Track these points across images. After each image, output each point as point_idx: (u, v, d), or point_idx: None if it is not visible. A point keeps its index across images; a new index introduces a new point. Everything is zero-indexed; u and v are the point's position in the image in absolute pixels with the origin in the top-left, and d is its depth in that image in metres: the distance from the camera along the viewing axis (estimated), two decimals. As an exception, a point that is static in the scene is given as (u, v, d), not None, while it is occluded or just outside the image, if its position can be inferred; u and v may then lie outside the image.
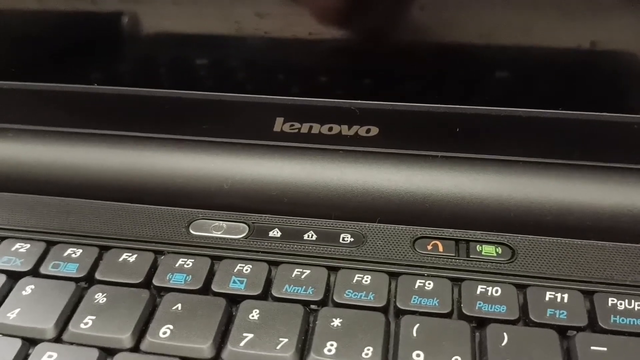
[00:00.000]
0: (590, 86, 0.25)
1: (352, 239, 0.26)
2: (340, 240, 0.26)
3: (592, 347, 0.21)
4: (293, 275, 0.24)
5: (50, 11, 0.27)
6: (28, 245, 0.26)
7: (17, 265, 0.25)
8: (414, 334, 0.22)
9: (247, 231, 0.26)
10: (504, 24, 0.24)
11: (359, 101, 0.26)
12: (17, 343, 0.22)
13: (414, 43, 0.25)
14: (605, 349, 0.21)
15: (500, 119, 0.25)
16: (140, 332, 0.22)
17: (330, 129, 0.27)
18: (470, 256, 0.25)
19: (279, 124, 0.27)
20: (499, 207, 0.26)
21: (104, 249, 0.25)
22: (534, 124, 0.25)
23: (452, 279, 0.24)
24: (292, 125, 0.27)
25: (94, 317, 0.23)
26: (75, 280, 0.24)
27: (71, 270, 0.25)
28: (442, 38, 0.25)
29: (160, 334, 0.22)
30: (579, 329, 0.22)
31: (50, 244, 0.26)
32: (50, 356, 0.21)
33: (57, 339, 0.22)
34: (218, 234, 0.26)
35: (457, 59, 0.25)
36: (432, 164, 0.27)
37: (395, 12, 0.25)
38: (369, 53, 0.25)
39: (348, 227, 0.26)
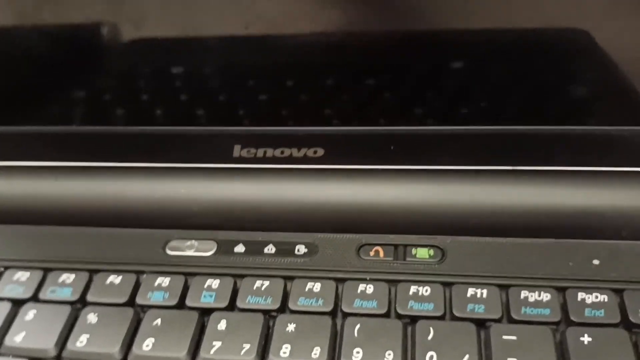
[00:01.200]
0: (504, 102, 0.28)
1: (305, 250, 0.29)
2: (296, 252, 0.29)
3: (504, 337, 0.25)
4: (255, 287, 0.28)
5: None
6: (28, 274, 0.30)
7: (20, 293, 0.29)
8: (355, 334, 0.26)
9: (215, 248, 0.30)
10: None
11: (306, 127, 0.30)
12: (24, 364, 0.26)
13: (346, 79, 0.28)
14: (515, 337, 0.25)
15: (427, 136, 0.29)
16: (127, 346, 0.26)
17: (282, 152, 0.30)
18: (407, 259, 0.29)
19: (237, 150, 0.31)
20: (431, 212, 0.29)
21: (93, 272, 0.29)
22: (456, 138, 0.29)
23: (389, 281, 0.28)
24: (248, 150, 0.30)
25: (88, 335, 0.27)
26: (70, 303, 0.28)
27: (66, 294, 0.29)
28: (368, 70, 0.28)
29: (144, 347, 0.26)
30: (494, 321, 0.26)
31: (47, 271, 0.30)
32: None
33: (58, 357, 0.27)
34: (190, 253, 0.30)
35: (383, 86, 0.28)
36: (372, 176, 0.30)
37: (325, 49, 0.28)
38: (309, 88, 0.29)
39: (302, 239, 0.30)
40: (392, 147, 0.29)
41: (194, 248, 0.30)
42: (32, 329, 0.27)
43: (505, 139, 0.28)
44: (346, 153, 0.30)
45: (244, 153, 0.31)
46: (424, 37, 0.27)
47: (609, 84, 0.27)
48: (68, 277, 0.29)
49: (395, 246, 0.29)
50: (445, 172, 0.30)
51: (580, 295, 0.26)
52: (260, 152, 0.30)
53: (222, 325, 0.27)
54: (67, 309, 0.28)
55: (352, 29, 0.27)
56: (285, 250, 0.30)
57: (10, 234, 0.32)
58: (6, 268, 0.30)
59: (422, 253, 0.29)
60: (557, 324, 0.25)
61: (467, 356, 0.24)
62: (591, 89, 0.28)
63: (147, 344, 0.26)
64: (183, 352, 0.26)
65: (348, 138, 0.29)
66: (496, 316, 0.26)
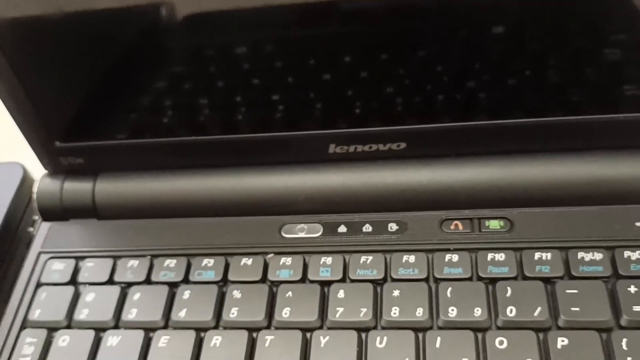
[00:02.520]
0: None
1: (397, 227, 0.36)
2: (389, 229, 0.36)
3: (567, 291, 0.32)
4: (361, 262, 0.35)
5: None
6: (175, 261, 0.37)
7: (172, 277, 0.36)
8: (448, 295, 0.33)
9: (322, 229, 0.37)
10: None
11: (390, 127, 0.36)
12: (192, 333, 0.34)
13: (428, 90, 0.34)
14: (576, 290, 0.32)
15: (493, 128, 0.35)
16: (269, 315, 0.34)
17: (370, 147, 0.36)
18: (482, 230, 0.35)
19: (332, 148, 0.37)
20: (499, 189, 0.36)
21: (228, 255, 0.37)
22: (517, 128, 0.34)
23: (469, 250, 0.34)
24: (342, 147, 0.37)
25: (237, 308, 0.34)
26: (215, 283, 0.36)
27: (211, 276, 0.36)
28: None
29: (283, 315, 0.34)
30: (558, 278, 0.33)
31: (189, 257, 0.37)
32: (217, 339, 0.33)
33: (216, 326, 0.34)
34: (302, 235, 0.37)
35: (454, 90, 0.34)
36: (448, 163, 0.36)
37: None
38: (392, 96, 0.34)
39: (393, 218, 0.36)
40: (463, 139, 0.35)
41: (304, 231, 0.37)
42: (191, 306, 0.35)
43: (559, 126, 0.34)
44: (425, 145, 0.36)
45: (338, 150, 0.37)
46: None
47: None
48: (209, 262, 0.37)
49: (471, 219, 0.36)
50: (509, 155, 0.36)
51: (626, 253, 0.33)
52: (351, 148, 0.37)
53: (341, 294, 0.34)
54: (214, 288, 0.35)
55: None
56: (380, 228, 0.36)
57: (155, 227, 0.39)
58: (154, 257, 0.38)
59: (494, 224, 0.35)
60: (608, 278, 0.32)
61: (539, 308, 0.31)
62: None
63: (285, 312, 0.34)
64: (315, 317, 0.33)
65: (426, 133, 0.35)
66: (559, 274, 0.33)
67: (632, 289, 0.31)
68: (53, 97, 0.37)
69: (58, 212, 0.40)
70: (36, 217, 0.43)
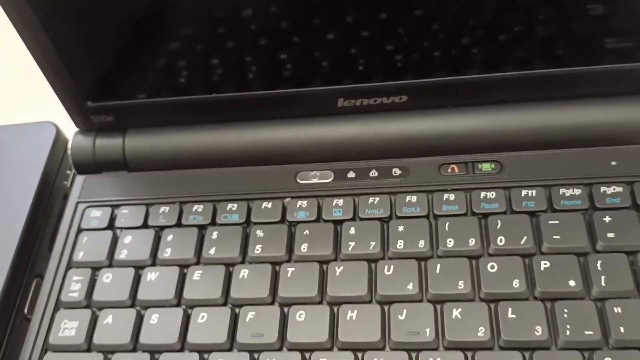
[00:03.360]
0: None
1: (400, 172, 0.40)
2: (393, 174, 0.40)
3: (550, 222, 0.37)
4: (369, 202, 0.39)
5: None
6: (202, 206, 0.41)
7: (200, 220, 0.41)
8: (446, 229, 0.37)
9: (333, 175, 0.41)
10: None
11: (392, 82, 0.39)
12: (222, 268, 0.38)
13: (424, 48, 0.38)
14: (557, 221, 0.37)
15: (485, 80, 0.39)
16: (290, 250, 0.38)
17: (375, 100, 0.40)
18: (475, 172, 0.40)
19: (341, 102, 0.41)
20: (490, 135, 0.40)
21: (249, 200, 0.41)
22: (506, 80, 0.39)
23: (464, 190, 0.39)
24: (349, 101, 0.41)
25: (260, 246, 0.39)
26: (240, 224, 0.40)
27: (235, 219, 0.40)
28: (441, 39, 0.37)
29: (302, 250, 0.38)
30: (542, 211, 0.37)
31: (215, 203, 0.41)
32: (244, 272, 0.38)
33: (243, 262, 0.39)
34: (316, 180, 0.41)
35: (451, 46, 0.38)
36: (445, 113, 0.40)
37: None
38: (394, 53, 0.38)
39: (396, 164, 0.41)
40: (458, 91, 0.39)
41: (317, 177, 0.41)
42: (219, 245, 0.39)
43: (544, 78, 0.38)
44: (424, 97, 0.40)
45: (346, 104, 0.41)
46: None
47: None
48: (233, 206, 0.41)
49: (466, 163, 0.40)
50: (499, 105, 0.40)
51: (602, 188, 0.37)
52: (358, 102, 0.41)
53: (352, 231, 0.38)
54: (239, 229, 0.40)
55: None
56: (385, 173, 0.41)
57: (181, 177, 0.43)
58: (183, 203, 0.42)
59: (486, 167, 0.40)
60: (586, 210, 0.37)
61: (525, 237, 0.36)
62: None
63: (303, 248, 0.38)
64: (329, 251, 0.38)
65: (425, 86, 0.39)
66: (543, 208, 0.37)
67: (607, 219, 0.36)
68: (84, 59, 0.41)
69: (91, 165, 0.44)
70: (69, 172, 0.47)
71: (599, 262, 0.35)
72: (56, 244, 0.42)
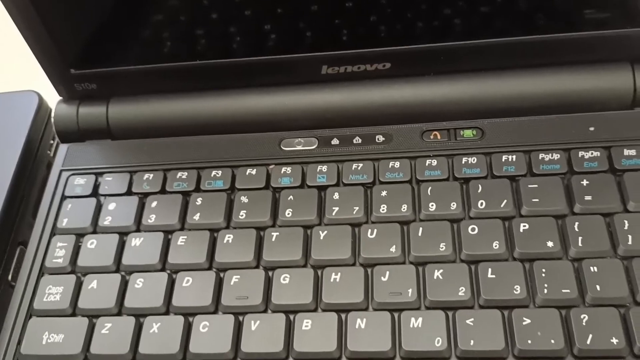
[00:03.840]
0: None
1: (383, 138, 0.41)
2: (376, 140, 0.41)
3: (529, 186, 0.37)
4: (352, 168, 0.40)
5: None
6: (186, 173, 0.41)
7: (185, 187, 0.41)
8: (429, 194, 0.38)
9: (317, 142, 0.42)
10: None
11: (375, 49, 0.40)
12: (206, 233, 0.39)
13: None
14: (536, 185, 0.37)
15: (466, 48, 0.39)
16: (274, 216, 0.39)
17: (359, 67, 0.41)
18: (457, 139, 0.40)
19: (325, 69, 0.41)
20: (471, 103, 0.40)
21: (234, 167, 0.41)
22: (487, 48, 0.39)
23: (447, 156, 0.39)
24: (333, 69, 0.41)
25: (245, 211, 0.39)
26: (224, 190, 0.40)
27: (220, 185, 0.41)
28: (425, 5, 0.38)
29: (286, 215, 0.39)
30: (522, 176, 0.38)
31: (199, 170, 0.41)
32: (229, 237, 0.38)
33: (227, 227, 0.39)
34: (300, 147, 0.42)
35: (432, 13, 0.38)
36: (428, 80, 0.41)
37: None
38: (376, 20, 0.39)
39: (379, 131, 0.41)
40: (440, 58, 0.40)
41: (301, 144, 0.42)
42: (203, 210, 0.39)
43: (523, 45, 0.39)
44: (407, 65, 0.40)
45: (330, 71, 0.41)
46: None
47: None
48: (217, 173, 0.41)
49: (448, 130, 0.41)
50: (480, 72, 0.40)
51: (580, 153, 0.38)
52: (342, 69, 0.41)
53: (336, 196, 0.39)
54: (223, 195, 0.40)
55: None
56: (368, 139, 0.41)
57: (165, 145, 0.43)
58: (167, 170, 0.42)
59: (468, 133, 0.40)
60: (564, 174, 0.37)
61: (505, 201, 0.37)
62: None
63: (287, 213, 0.39)
64: (314, 216, 0.38)
65: (407, 53, 0.40)
66: (523, 173, 0.38)
67: (585, 182, 0.37)
68: (67, 25, 0.41)
69: (75, 134, 0.44)
70: (52, 142, 0.47)
71: (576, 223, 0.35)
72: (40, 211, 0.42)
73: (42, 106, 0.46)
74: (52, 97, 0.45)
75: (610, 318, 0.32)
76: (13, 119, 0.45)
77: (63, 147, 0.44)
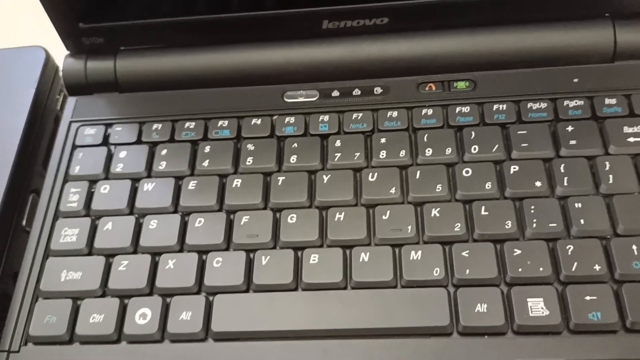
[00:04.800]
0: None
1: (381, 90, 0.43)
2: (375, 92, 0.43)
3: (519, 132, 0.40)
4: (353, 118, 0.42)
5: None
6: (194, 123, 0.43)
7: (193, 136, 0.43)
8: (425, 140, 0.40)
9: (318, 94, 0.44)
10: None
11: (374, 4, 0.42)
12: (215, 178, 0.41)
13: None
14: (525, 131, 0.40)
15: (460, 3, 0.42)
16: (279, 162, 0.41)
17: (358, 22, 0.43)
18: (451, 90, 0.43)
19: (325, 24, 0.43)
20: (466, 56, 0.43)
21: (240, 118, 0.43)
22: (482, 3, 0.41)
23: (441, 106, 0.42)
24: (333, 23, 0.43)
25: (251, 158, 0.41)
26: (231, 139, 0.42)
27: (227, 134, 0.43)
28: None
29: (291, 161, 0.41)
30: (511, 123, 0.41)
31: (207, 120, 0.43)
32: (237, 181, 0.40)
33: (235, 172, 0.41)
34: (302, 99, 0.44)
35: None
36: (424, 35, 0.43)
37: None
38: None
39: (377, 83, 0.43)
40: (436, 13, 0.42)
41: (303, 96, 0.44)
42: (212, 157, 0.42)
43: (510, 2, 0.41)
44: (404, 19, 0.43)
45: (330, 25, 0.43)
46: None
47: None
48: (224, 123, 0.43)
49: (442, 82, 0.43)
50: (474, 28, 0.43)
51: (565, 102, 0.41)
52: (342, 24, 0.43)
53: (338, 143, 0.41)
54: (230, 144, 0.42)
55: None
56: (367, 91, 0.43)
57: (172, 97, 0.45)
58: (175, 121, 0.44)
59: (461, 85, 0.43)
60: (551, 121, 0.40)
61: (496, 146, 0.39)
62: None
63: (292, 159, 0.41)
64: (317, 161, 0.40)
65: (405, 8, 0.42)
66: (512, 120, 0.41)
67: (569, 128, 0.40)
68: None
69: (83, 87, 0.46)
70: (58, 97, 0.48)
71: (562, 165, 0.38)
72: (51, 160, 0.43)
73: (49, 61, 0.47)
74: (58, 54, 0.47)
75: (593, 248, 0.35)
76: (21, 73, 0.47)
77: (71, 100, 0.46)
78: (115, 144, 0.43)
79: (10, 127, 0.44)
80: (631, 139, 0.39)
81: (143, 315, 0.36)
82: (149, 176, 0.42)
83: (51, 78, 0.47)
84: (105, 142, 0.43)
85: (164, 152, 0.42)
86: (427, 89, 0.43)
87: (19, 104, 0.45)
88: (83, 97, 0.46)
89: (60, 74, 0.47)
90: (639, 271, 0.34)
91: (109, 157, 0.43)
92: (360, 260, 0.37)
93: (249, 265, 0.37)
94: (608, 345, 0.33)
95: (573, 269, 0.35)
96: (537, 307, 0.34)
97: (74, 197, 0.41)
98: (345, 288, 0.36)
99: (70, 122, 0.45)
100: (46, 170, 0.43)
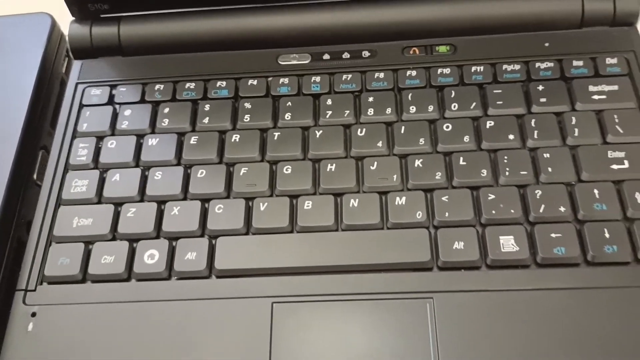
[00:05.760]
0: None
1: (369, 54, 0.47)
2: (363, 56, 0.47)
3: (494, 91, 0.44)
4: (343, 79, 0.45)
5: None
6: (194, 84, 0.46)
7: (193, 95, 0.46)
8: (409, 99, 0.44)
9: (310, 57, 0.47)
10: None
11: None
12: (215, 134, 0.44)
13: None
14: (500, 90, 0.44)
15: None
16: (275, 119, 0.44)
17: (347, -9, 0.46)
18: (433, 54, 0.46)
19: (317, -8, 0.46)
20: (447, 22, 0.46)
21: (237, 79, 0.46)
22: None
23: (424, 68, 0.45)
24: (325, -8, 0.46)
25: (249, 115, 0.44)
26: (229, 98, 0.46)
27: (225, 93, 0.46)
28: None
29: (286, 118, 0.44)
30: (487, 83, 0.44)
31: (206, 81, 0.47)
32: (235, 137, 0.43)
33: (234, 129, 0.44)
34: (295, 62, 0.47)
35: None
36: (409, 3, 0.47)
37: None
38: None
39: (365, 47, 0.47)
40: (420, -17, 0.46)
41: (296, 59, 0.47)
42: (212, 115, 0.45)
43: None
44: (390, -12, 0.46)
45: (322, -6, 0.46)
46: None
47: None
48: (222, 83, 0.46)
49: (425, 46, 0.46)
50: (453, -4, 0.46)
51: (537, 64, 0.44)
52: (332, -7, 0.46)
53: (329, 102, 0.45)
54: (229, 102, 0.45)
55: None
56: (356, 55, 0.47)
57: (172, 60, 0.48)
58: (175, 82, 0.47)
59: (442, 49, 0.46)
60: (524, 81, 0.44)
61: (474, 103, 0.43)
62: None
63: (287, 116, 0.44)
64: (309, 119, 0.44)
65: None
66: (489, 81, 0.44)
67: (540, 87, 0.43)
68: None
69: (88, 51, 0.48)
70: (63, 62, 0.51)
71: (533, 120, 0.42)
72: (60, 119, 0.46)
73: (55, 27, 0.50)
74: (61, 20, 0.50)
75: (559, 192, 0.39)
76: (29, 38, 0.49)
77: (77, 64, 0.49)
78: (120, 103, 0.46)
79: (20, 89, 0.47)
80: (595, 97, 0.43)
81: (151, 256, 0.40)
82: (152, 132, 0.45)
83: (57, 43, 0.50)
84: (110, 101, 0.46)
85: (167, 110, 0.45)
86: (411, 52, 0.46)
87: (28, 67, 0.48)
88: (88, 60, 0.49)
89: (66, 39, 0.49)
90: (599, 212, 0.38)
91: (115, 115, 0.46)
92: (350, 205, 0.40)
93: (248, 211, 0.41)
94: (571, 276, 0.37)
95: (541, 210, 0.39)
96: (508, 243, 0.38)
97: (82, 152, 0.44)
98: (337, 230, 0.40)
99: (77, 83, 0.48)
100: (54, 129, 0.46)
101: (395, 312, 0.37)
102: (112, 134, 0.45)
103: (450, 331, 0.36)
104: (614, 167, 0.40)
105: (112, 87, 0.47)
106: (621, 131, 0.41)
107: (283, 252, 0.39)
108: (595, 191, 0.39)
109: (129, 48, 0.48)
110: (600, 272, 0.37)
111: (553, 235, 0.38)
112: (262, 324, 0.37)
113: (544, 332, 0.35)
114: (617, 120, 0.41)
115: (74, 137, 0.45)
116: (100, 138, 0.45)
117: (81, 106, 0.46)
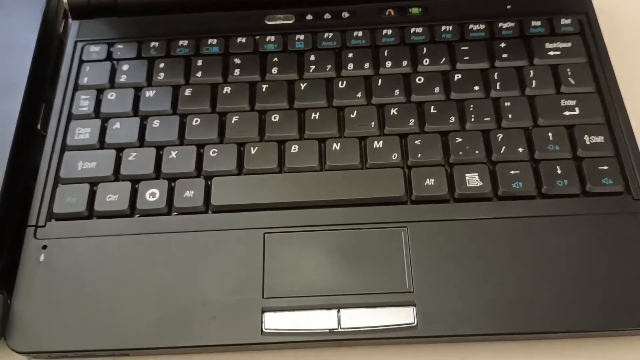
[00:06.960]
0: None
1: (348, 14, 0.51)
2: (342, 16, 0.51)
3: (461, 48, 0.48)
4: (325, 37, 0.50)
5: None
6: (187, 42, 0.50)
7: (186, 52, 0.50)
8: (386, 55, 0.48)
9: (294, 18, 0.51)
10: None
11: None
12: (208, 87, 0.48)
13: None
14: (467, 47, 0.48)
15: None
16: (263, 73, 0.48)
17: (328, -44, 0.50)
18: (407, 15, 0.51)
19: (301, -43, 0.50)
20: (418, -13, 0.51)
21: (227, 38, 0.50)
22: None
23: (399, 28, 0.50)
24: (308, -43, 0.50)
25: (238, 70, 0.48)
26: (220, 55, 0.49)
27: (215, 50, 0.50)
28: None
29: (273, 72, 0.48)
30: (456, 41, 0.49)
31: (197, 40, 0.50)
32: (227, 89, 0.47)
33: (225, 82, 0.48)
34: (280, 22, 0.51)
35: None
36: (384, -32, 0.51)
37: None
38: None
39: (345, 9, 0.51)
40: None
41: (281, 19, 0.51)
42: (204, 69, 0.48)
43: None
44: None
45: (305, -41, 0.50)
46: None
47: None
48: (213, 41, 0.50)
49: (399, 8, 0.51)
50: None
51: (500, 24, 0.49)
52: (315, -42, 0.50)
53: (312, 57, 0.49)
54: (219, 58, 0.49)
55: None
56: (336, 15, 0.51)
57: (166, 20, 0.51)
58: (169, 40, 0.50)
59: (415, 10, 0.51)
60: (487, 39, 0.49)
61: (443, 59, 0.48)
62: None
63: (274, 70, 0.48)
64: (295, 73, 0.48)
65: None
66: (457, 39, 0.49)
67: (502, 45, 0.48)
68: None
69: (85, 11, 0.52)
70: (62, 21, 0.54)
71: (496, 74, 0.47)
72: (61, 74, 0.49)
73: (53, -12, 0.53)
74: (60, -19, 0.53)
75: (518, 136, 0.44)
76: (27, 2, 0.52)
77: (75, 24, 0.52)
78: (118, 59, 0.50)
79: (22, 46, 0.50)
80: (551, 53, 0.48)
81: (152, 194, 0.44)
82: (149, 85, 0.48)
83: (56, 2, 0.53)
84: (109, 57, 0.50)
85: (162, 65, 0.49)
86: (387, 13, 0.51)
87: (29, 26, 0.51)
88: (85, 20, 0.52)
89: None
90: (553, 152, 0.43)
91: (113, 70, 0.49)
92: (333, 149, 0.45)
93: (240, 155, 0.45)
94: (527, 206, 0.42)
95: (502, 151, 0.44)
96: (473, 179, 0.43)
97: (84, 103, 0.48)
98: (321, 170, 0.44)
99: (76, 41, 0.51)
100: (54, 84, 0.50)
101: (374, 239, 0.41)
102: (112, 87, 0.48)
103: (422, 254, 0.41)
104: (566, 113, 0.45)
105: (110, 44, 0.51)
106: (573, 82, 0.46)
107: (272, 190, 0.43)
108: (550, 134, 0.44)
109: (124, 7, 0.52)
110: (553, 203, 0.42)
111: (512, 172, 0.43)
112: (255, 251, 0.41)
113: (504, 254, 0.40)
114: (569, 73, 0.46)
115: (75, 90, 0.49)
116: (100, 91, 0.48)
117: (81, 62, 0.50)
